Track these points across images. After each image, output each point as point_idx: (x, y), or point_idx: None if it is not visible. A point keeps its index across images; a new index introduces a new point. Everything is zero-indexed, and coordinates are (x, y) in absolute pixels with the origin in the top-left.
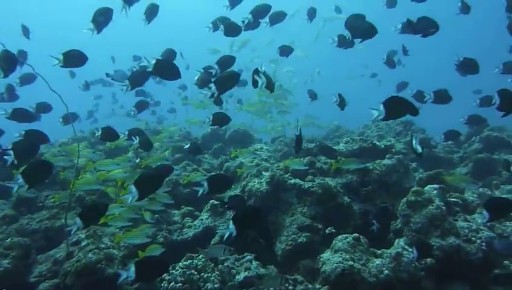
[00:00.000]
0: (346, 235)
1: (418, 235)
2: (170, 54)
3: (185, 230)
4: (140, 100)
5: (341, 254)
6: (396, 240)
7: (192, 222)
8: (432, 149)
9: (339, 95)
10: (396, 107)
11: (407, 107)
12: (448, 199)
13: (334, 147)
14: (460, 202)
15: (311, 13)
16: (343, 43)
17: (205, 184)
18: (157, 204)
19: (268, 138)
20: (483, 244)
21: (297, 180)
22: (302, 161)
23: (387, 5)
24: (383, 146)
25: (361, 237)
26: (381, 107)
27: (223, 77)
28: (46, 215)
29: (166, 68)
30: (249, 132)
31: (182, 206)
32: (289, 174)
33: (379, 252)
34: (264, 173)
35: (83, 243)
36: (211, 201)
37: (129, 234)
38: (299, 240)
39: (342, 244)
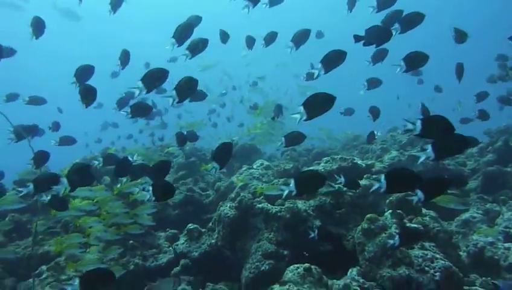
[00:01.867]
0: (298, 265)
1: (370, 264)
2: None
3: (160, 255)
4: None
5: (289, 286)
6: (350, 270)
7: (169, 246)
8: (441, 162)
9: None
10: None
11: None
12: (408, 224)
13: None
14: (421, 228)
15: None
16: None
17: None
18: (136, 228)
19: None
20: (437, 274)
21: (266, 205)
22: (276, 185)
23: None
24: (364, 165)
25: (313, 267)
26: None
27: (182, 84)
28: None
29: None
30: (257, 146)
31: (167, 229)
32: (261, 197)
33: (330, 283)
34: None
35: (44, 276)
36: (188, 225)
37: (82, 262)
38: (262, 268)
39: (292, 275)
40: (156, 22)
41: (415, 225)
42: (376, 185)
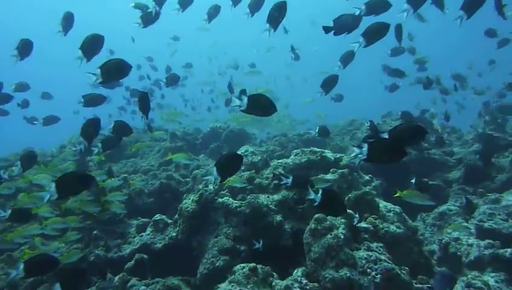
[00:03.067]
0: (244, 264)
1: (315, 265)
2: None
3: (124, 246)
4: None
5: (232, 285)
6: (295, 270)
7: (134, 237)
8: (426, 151)
9: None
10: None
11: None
12: (359, 225)
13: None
14: (371, 228)
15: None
16: None
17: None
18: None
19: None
20: (378, 276)
21: (226, 199)
22: (242, 178)
23: None
24: (332, 158)
25: (259, 266)
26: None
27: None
28: None
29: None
30: (246, 130)
31: (138, 218)
32: (226, 191)
33: (274, 283)
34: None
35: None
36: (154, 216)
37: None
38: (217, 264)
39: (238, 274)
40: None
41: (365, 225)
42: (356, 151)
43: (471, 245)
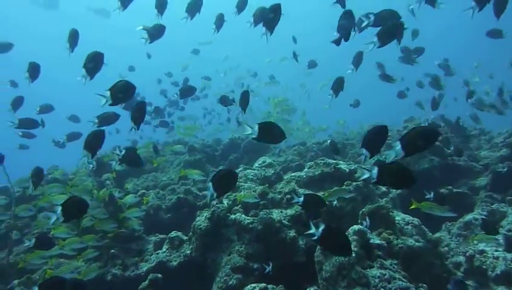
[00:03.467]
0: (254, 285)
1: (327, 284)
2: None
3: (141, 264)
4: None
5: None
6: (307, 289)
7: (151, 254)
8: (449, 158)
9: None
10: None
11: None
12: (372, 240)
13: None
14: (385, 244)
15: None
16: None
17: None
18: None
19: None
20: None
21: (238, 215)
22: (254, 193)
23: None
24: (347, 170)
25: (269, 287)
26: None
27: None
28: None
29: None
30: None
31: (156, 234)
32: (239, 206)
33: None
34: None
35: None
36: (170, 233)
37: (59, 271)
38: (230, 283)
39: None
40: None
41: (378, 242)
42: (366, 175)
43: (497, 258)
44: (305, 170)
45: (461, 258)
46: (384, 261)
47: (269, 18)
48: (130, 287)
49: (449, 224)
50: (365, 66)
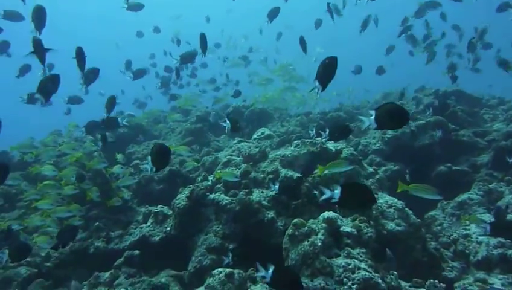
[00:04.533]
0: (221, 269)
1: None
2: None
3: (126, 237)
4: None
5: None
6: None
7: (135, 228)
8: (453, 133)
9: None
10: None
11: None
12: (342, 229)
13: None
14: (355, 232)
15: None
16: None
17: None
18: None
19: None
20: (354, 286)
21: (217, 195)
22: (235, 171)
23: None
24: (334, 150)
25: (236, 272)
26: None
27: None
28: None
29: None
30: (267, 110)
31: (146, 206)
32: (221, 184)
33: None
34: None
35: None
36: (155, 208)
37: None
38: (204, 263)
39: (214, 280)
40: None
41: (348, 230)
42: (366, 123)
43: (480, 243)
44: (291, 148)
45: (446, 239)
46: (351, 250)
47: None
48: (113, 259)
49: (444, 203)
50: None
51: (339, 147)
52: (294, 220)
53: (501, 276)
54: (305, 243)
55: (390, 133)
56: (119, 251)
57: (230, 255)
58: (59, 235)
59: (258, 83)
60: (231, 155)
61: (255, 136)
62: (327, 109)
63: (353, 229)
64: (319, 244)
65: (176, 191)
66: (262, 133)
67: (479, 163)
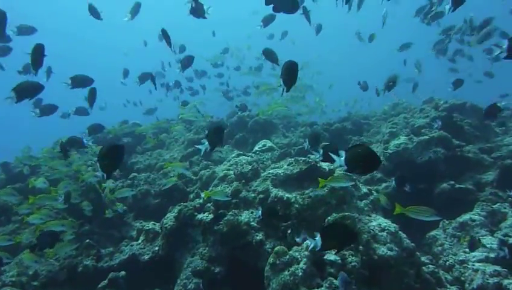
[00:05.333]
0: None
1: None
2: None
3: (116, 255)
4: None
5: None
6: None
7: (126, 245)
8: (458, 149)
9: None
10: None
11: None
12: (326, 257)
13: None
14: (339, 261)
15: None
16: None
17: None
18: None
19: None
20: None
21: (205, 216)
22: (225, 190)
23: None
24: (327, 169)
25: None
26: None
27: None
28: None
29: None
30: (271, 121)
31: (140, 221)
32: (211, 203)
33: None
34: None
35: None
36: (146, 225)
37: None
38: (189, 287)
39: None
40: None
41: (332, 258)
42: (337, 162)
43: (476, 271)
44: (284, 167)
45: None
46: (334, 281)
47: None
48: (103, 277)
49: (446, 222)
50: None
51: (332, 167)
52: (276, 248)
53: None
54: (286, 272)
55: (392, 148)
56: (109, 270)
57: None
58: (39, 238)
59: (260, 93)
60: (228, 170)
61: (256, 148)
62: (334, 119)
63: (337, 258)
64: (300, 274)
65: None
66: (264, 146)
67: (483, 181)
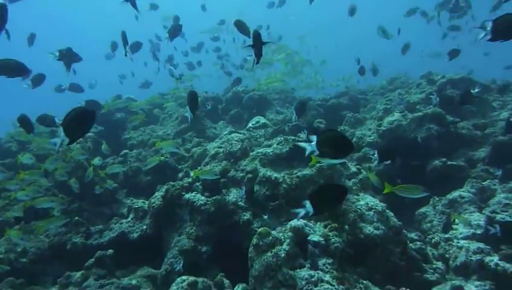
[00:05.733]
0: (185, 277)
1: (255, 282)
2: None
3: (106, 232)
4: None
5: None
6: (237, 285)
7: (116, 223)
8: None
9: None
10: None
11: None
12: (310, 238)
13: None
14: (323, 242)
15: None
16: None
17: None
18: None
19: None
20: None
21: (192, 195)
22: (214, 169)
23: None
24: None
25: (199, 280)
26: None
27: None
28: None
29: None
30: (266, 96)
31: (131, 198)
32: (199, 183)
33: None
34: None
35: None
36: (135, 203)
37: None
38: (175, 266)
39: (176, 288)
40: None
41: (316, 239)
42: (308, 149)
43: (460, 248)
44: (273, 146)
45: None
46: (320, 260)
47: None
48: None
49: (436, 199)
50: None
51: None
52: (260, 229)
53: (477, 283)
54: (268, 254)
55: (385, 125)
56: (99, 247)
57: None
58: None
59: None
60: (219, 147)
61: (250, 124)
62: (332, 94)
63: (321, 239)
64: (283, 255)
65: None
66: (257, 122)
67: (476, 158)
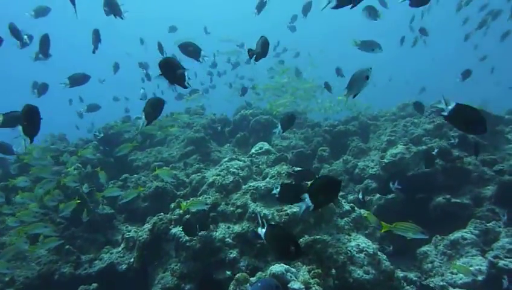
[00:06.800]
0: None
1: None
2: None
3: (95, 262)
4: None
5: None
6: None
7: (106, 253)
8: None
9: None
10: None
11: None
12: (291, 285)
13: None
14: (303, 288)
15: None
16: None
17: None
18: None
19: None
20: None
21: (178, 230)
22: (204, 200)
23: None
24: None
25: None
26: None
27: None
28: None
29: None
30: (273, 120)
31: (126, 225)
32: (189, 215)
33: None
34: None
35: None
36: (125, 233)
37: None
38: None
39: None
40: None
41: (297, 287)
42: (303, 207)
43: None
44: (267, 179)
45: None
46: None
47: None
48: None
49: (439, 238)
50: None
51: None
52: (237, 275)
53: None
54: None
55: (388, 157)
56: (87, 278)
57: None
58: None
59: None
60: (218, 175)
61: (253, 150)
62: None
63: (301, 286)
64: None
65: (163, 209)
66: (261, 148)
67: (482, 196)
